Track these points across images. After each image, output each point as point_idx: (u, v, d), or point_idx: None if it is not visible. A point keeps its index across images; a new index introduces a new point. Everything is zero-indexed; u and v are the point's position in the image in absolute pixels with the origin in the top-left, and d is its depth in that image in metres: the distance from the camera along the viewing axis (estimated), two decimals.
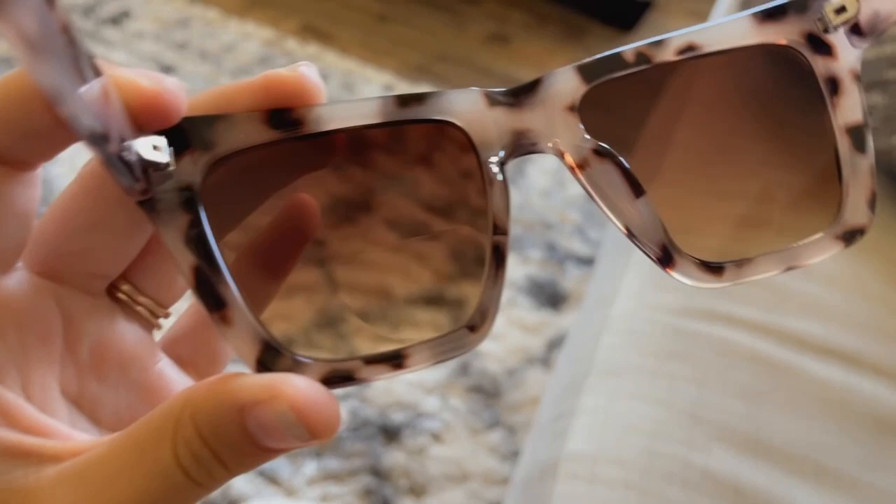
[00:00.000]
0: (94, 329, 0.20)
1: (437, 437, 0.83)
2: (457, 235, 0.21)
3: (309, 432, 0.16)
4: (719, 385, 0.44)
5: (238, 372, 0.17)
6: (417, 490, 0.79)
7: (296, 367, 0.18)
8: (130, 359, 0.21)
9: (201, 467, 0.17)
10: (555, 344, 0.93)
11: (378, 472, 0.79)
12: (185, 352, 0.23)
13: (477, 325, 0.19)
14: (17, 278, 0.19)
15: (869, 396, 0.45)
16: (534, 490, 0.43)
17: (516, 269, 1.02)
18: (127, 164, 0.16)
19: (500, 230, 0.19)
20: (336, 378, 0.18)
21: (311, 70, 0.19)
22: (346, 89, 1.25)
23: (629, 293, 0.51)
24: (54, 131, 0.17)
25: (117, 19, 1.30)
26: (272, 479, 0.77)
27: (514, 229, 1.07)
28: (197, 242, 0.18)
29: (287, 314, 0.21)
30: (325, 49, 1.31)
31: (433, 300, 0.21)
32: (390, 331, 0.22)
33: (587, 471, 0.42)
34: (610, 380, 0.46)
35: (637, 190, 0.20)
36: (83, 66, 0.14)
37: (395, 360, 0.19)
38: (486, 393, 0.88)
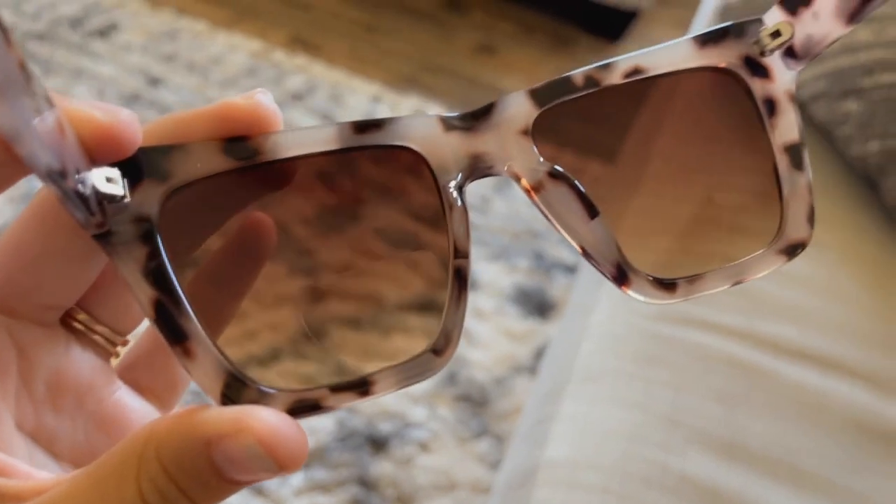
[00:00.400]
0: (48, 361, 0.20)
1: (424, 447, 0.83)
2: (418, 260, 0.21)
3: (277, 464, 0.16)
4: (696, 389, 0.45)
5: (201, 405, 0.17)
6: (405, 500, 0.79)
7: (261, 398, 0.18)
8: (87, 389, 0.21)
9: (167, 503, 0.16)
10: (542, 352, 0.94)
11: (365, 483, 0.79)
12: (142, 377, 0.22)
13: (441, 348, 0.19)
14: None
15: (845, 399, 0.45)
16: (514, 496, 0.43)
17: (503, 277, 1.02)
18: (82, 198, 0.16)
19: (460, 254, 0.19)
20: (302, 408, 0.18)
21: (268, 97, 0.19)
22: (334, 100, 1.26)
23: (608, 300, 0.52)
24: (4, 166, 0.17)
25: (105, 32, 1.30)
26: (259, 491, 0.77)
27: (502, 238, 1.07)
28: (156, 275, 0.17)
29: (251, 343, 0.21)
30: (312, 60, 1.32)
31: (397, 326, 0.22)
32: (355, 357, 0.22)
33: (566, 476, 0.42)
34: (589, 385, 0.46)
35: (591, 211, 0.20)
36: (39, 101, 0.14)
37: (361, 388, 0.19)
38: (474, 402, 0.88)
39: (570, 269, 1.04)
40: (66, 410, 0.21)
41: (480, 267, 1.03)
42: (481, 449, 0.84)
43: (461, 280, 0.20)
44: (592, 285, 0.54)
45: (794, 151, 0.21)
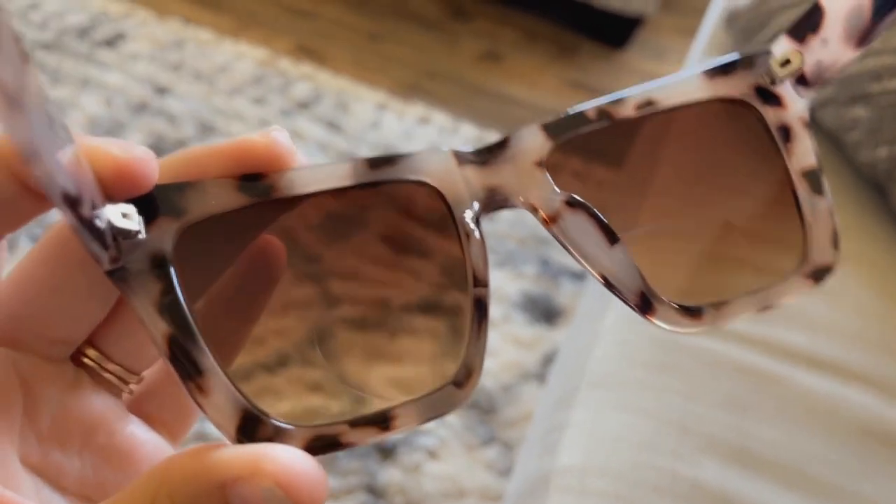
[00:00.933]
0: (54, 397, 0.20)
1: (432, 454, 0.83)
2: (437, 292, 0.21)
3: None
4: (707, 396, 0.45)
5: (215, 444, 0.17)
6: None
7: (277, 434, 0.18)
8: (96, 424, 0.21)
9: None
10: (549, 359, 0.94)
11: (374, 490, 0.79)
12: (153, 408, 0.22)
13: (462, 380, 0.19)
14: None
15: (855, 406, 0.45)
16: (525, 503, 0.44)
17: (510, 284, 1.02)
18: (97, 231, 0.16)
19: (479, 283, 0.19)
20: (321, 444, 0.18)
21: (283, 134, 0.19)
22: (340, 108, 1.26)
23: (619, 306, 0.52)
24: (19, 202, 0.17)
25: (112, 41, 1.31)
26: None
27: (509, 244, 1.07)
28: (171, 310, 0.17)
29: (269, 377, 0.21)
30: (318, 68, 1.33)
31: (418, 359, 0.21)
32: (376, 391, 0.21)
33: (577, 484, 0.42)
34: (599, 392, 0.46)
35: (611, 238, 0.20)
36: (56, 128, 0.14)
37: (382, 423, 0.18)
38: (482, 409, 0.88)
39: (577, 276, 1.04)
40: (74, 445, 0.20)
41: None
42: (489, 456, 0.84)
43: (481, 309, 0.19)
44: (602, 292, 0.54)
45: (812, 176, 0.22)
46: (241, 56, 1.32)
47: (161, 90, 1.23)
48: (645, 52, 1.50)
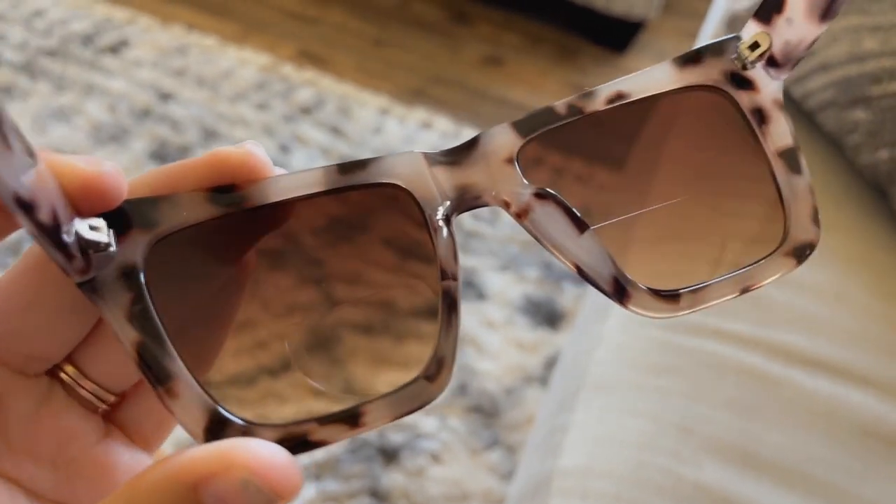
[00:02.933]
0: (24, 409, 0.20)
1: (436, 458, 0.83)
2: (410, 289, 0.21)
3: (276, 494, 0.15)
4: (709, 398, 0.45)
5: (182, 449, 0.16)
6: None
7: (246, 434, 0.18)
8: (69, 438, 0.20)
9: None
10: (552, 362, 0.94)
11: (377, 494, 0.79)
12: (129, 420, 0.22)
13: (433, 374, 0.19)
14: None
15: (856, 407, 0.45)
16: None
17: (513, 288, 1.02)
18: (61, 243, 0.16)
19: (448, 275, 0.19)
20: (290, 444, 0.18)
21: (258, 147, 0.19)
22: (343, 113, 1.26)
23: (621, 310, 0.52)
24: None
25: (116, 48, 1.32)
26: None
27: (511, 248, 1.07)
28: (140, 318, 0.18)
29: (237, 378, 0.21)
30: (321, 74, 1.33)
31: (389, 355, 0.21)
32: (347, 388, 0.21)
33: (579, 486, 0.42)
34: (601, 395, 0.47)
35: (580, 226, 0.20)
36: (11, 139, 0.14)
37: (352, 420, 0.18)
38: (485, 412, 0.88)
39: (580, 280, 1.04)
40: (47, 457, 0.20)
41: (489, 277, 1.04)
42: (493, 460, 0.84)
43: (450, 302, 0.19)
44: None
45: (789, 155, 0.21)
46: (245, 62, 1.33)
47: (165, 96, 1.24)
48: (646, 56, 1.50)
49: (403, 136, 1.25)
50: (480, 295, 1.01)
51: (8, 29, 1.33)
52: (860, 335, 0.49)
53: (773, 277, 0.21)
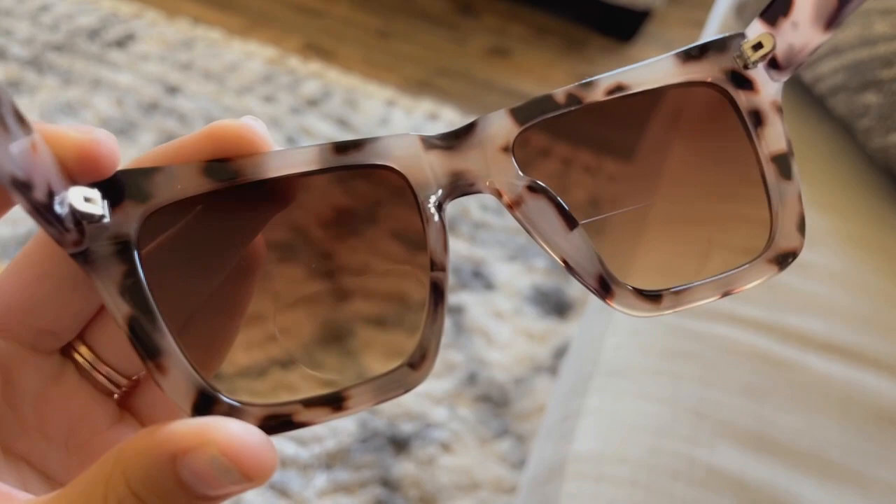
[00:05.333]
0: (34, 386, 0.20)
1: (446, 447, 0.83)
2: (398, 276, 0.21)
3: (243, 475, 0.16)
4: (722, 383, 0.45)
5: (168, 422, 0.17)
6: (428, 500, 0.79)
7: (232, 412, 0.18)
8: (80, 419, 0.21)
9: None
10: (561, 352, 0.94)
11: (388, 483, 0.80)
12: (141, 407, 0.22)
13: (417, 362, 0.19)
14: None
15: (871, 391, 0.45)
16: (542, 491, 0.44)
17: (521, 278, 1.02)
18: (54, 214, 0.16)
19: (437, 267, 0.19)
20: (274, 423, 0.18)
21: (257, 122, 0.19)
22: (349, 105, 1.26)
23: None
24: None
25: (122, 42, 1.32)
26: (283, 492, 0.78)
27: (519, 239, 1.07)
28: (132, 292, 0.18)
29: (231, 359, 0.21)
30: (327, 66, 1.33)
31: (374, 342, 0.21)
32: (332, 372, 0.21)
33: (594, 470, 0.42)
34: (614, 380, 0.47)
35: (570, 223, 0.20)
36: (6, 118, 0.14)
37: (335, 403, 0.18)
38: (494, 402, 0.88)
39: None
40: (58, 438, 0.20)
41: (498, 268, 1.04)
42: (502, 449, 0.84)
43: (438, 293, 0.19)
44: None
45: (781, 161, 0.21)
46: (251, 55, 1.33)
47: (171, 90, 1.24)
48: (653, 45, 1.50)
49: (410, 127, 1.25)
50: (489, 285, 1.01)
51: (15, 24, 1.33)
52: (874, 319, 0.49)
53: (754, 283, 0.21)
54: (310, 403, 0.18)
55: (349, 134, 1.22)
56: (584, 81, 0.21)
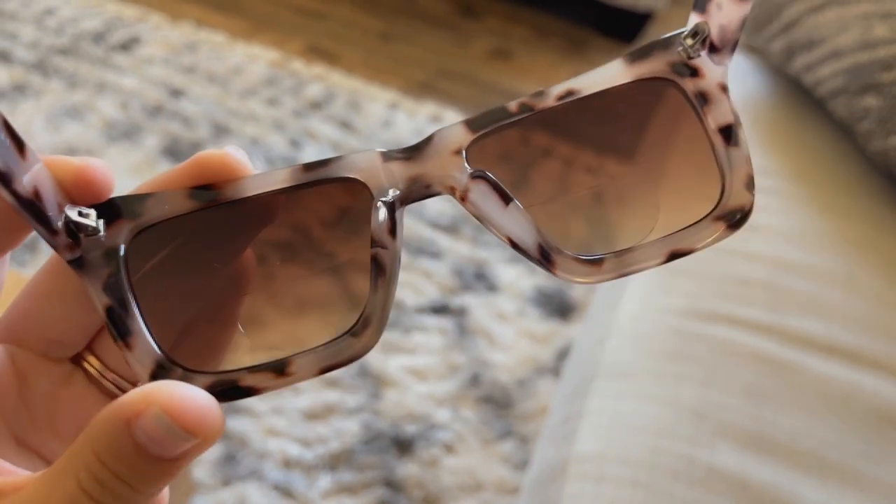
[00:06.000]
0: (45, 388, 0.22)
1: (449, 448, 0.84)
2: (347, 260, 0.23)
3: (186, 432, 0.17)
4: (723, 384, 0.45)
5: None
6: (431, 501, 0.79)
7: (184, 378, 0.20)
8: (88, 419, 0.21)
9: (105, 490, 0.17)
10: (564, 353, 0.94)
11: (392, 484, 0.80)
12: None
13: (359, 330, 0.20)
14: None
15: (871, 392, 0.45)
16: (544, 491, 0.44)
17: (524, 279, 1.03)
18: (56, 228, 0.19)
19: (377, 244, 0.21)
20: (223, 388, 0.20)
21: (238, 151, 0.22)
22: (353, 108, 1.27)
23: (634, 297, 0.52)
24: (13, 220, 0.20)
25: (127, 45, 1.33)
26: (287, 493, 0.78)
27: None
28: (112, 287, 0.20)
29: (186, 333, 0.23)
30: (330, 69, 1.34)
31: (323, 316, 0.23)
32: (277, 343, 0.23)
33: (595, 471, 0.43)
34: (616, 381, 0.47)
35: (505, 198, 0.21)
36: (25, 147, 0.17)
37: (279, 370, 0.20)
38: (497, 403, 0.89)
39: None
40: (68, 435, 0.22)
41: (500, 270, 1.04)
42: (506, 450, 0.84)
43: (378, 267, 0.21)
44: (617, 283, 0.55)
45: (728, 131, 0.22)
46: (254, 58, 1.33)
47: (176, 93, 1.25)
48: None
49: (413, 129, 1.25)
50: (492, 287, 1.02)
51: (20, 28, 1.34)
52: (873, 321, 0.49)
53: (704, 242, 0.21)
54: (254, 370, 0.20)
55: (352, 136, 1.22)
56: (535, 92, 0.22)
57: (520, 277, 1.03)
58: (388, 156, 0.22)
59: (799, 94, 0.65)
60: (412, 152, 0.22)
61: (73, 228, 0.20)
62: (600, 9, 1.48)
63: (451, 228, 1.09)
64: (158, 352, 0.20)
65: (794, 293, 0.50)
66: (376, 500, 0.79)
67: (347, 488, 0.80)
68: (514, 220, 0.21)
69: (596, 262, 0.21)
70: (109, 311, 0.20)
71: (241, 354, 0.23)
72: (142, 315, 0.20)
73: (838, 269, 0.52)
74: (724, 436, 0.43)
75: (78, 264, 0.20)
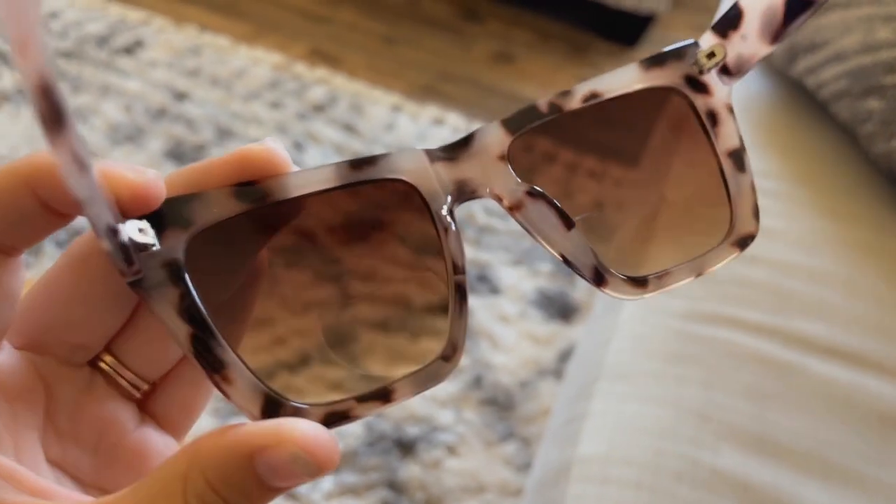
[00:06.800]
0: (71, 397, 0.22)
1: (452, 450, 0.84)
2: (420, 280, 0.24)
3: (318, 467, 0.18)
4: (726, 386, 0.45)
5: (238, 423, 0.19)
6: (434, 502, 0.80)
7: (297, 413, 0.20)
8: (108, 425, 0.22)
9: None
10: (566, 355, 0.94)
11: (394, 486, 0.80)
12: (159, 408, 0.24)
13: (449, 355, 0.21)
14: (4, 354, 0.21)
15: (873, 394, 0.45)
16: (547, 493, 0.44)
17: (526, 281, 1.03)
18: (124, 250, 0.18)
19: (458, 270, 0.22)
20: (334, 419, 0.20)
21: (278, 144, 0.21)
22: (355, 111, 1.27)
23: (635, 301, 0.52)
24: (39, 219, 0.19)
25: (131, 49, 1.33)
26: (291, 495, 0.78)
27: (524, 243, 1.08)
28: (190, 312, 0.19)
29: (282, 365, 0.23)
30: (333, 72, 1.34)
31: (410, 341, 0.24)
32: (375, 370, 0.24)
33: (599, 472, 0.43)
34: (619, 383, 0.47)
35: (568, 223, 0.23)
36: (90, 168, 0.16)
37: (384, 397, 0.21)
38: (500, 405, 0.89)
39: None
40: (89, 443, 0.22)
41: (502, 272, 1.04)
42: (508, 452, 0.84)
43: (461, 294, 0.22)
44: None
45: (736, 156, 0.24)
46: (258, 61, 1.34)
47: (179, 96, 1.25)
48: (657, 50, 1.50)
49: (416, 132, 1.25)
50: (494, 289, 1.02)
51: None
52: (876, 323, 0.49)
53: (721, 263, 0.24)
54: (362, 399, 0.20)
55: (355, 139, 1.23)
56: (562, 91, 0.23)
57: (522, 280, 1.03)
58: (433, 155, 0.22)
59: (801, 97, 0.65)
60: (454, 152, 0.22)
61: (135, 248, 0.19)
62: (602, 12, 1.48)
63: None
64: (262, 384, 0.20)
65: (795, 295, 0.51)
66: (379, 502, 0.79)
67: (350, 490, 0.80)
68: (573, 244, 0.23)
69: (641, 283, 0.23)
70: (196, 340, 0.19)
71: (335, 381, 0.23)
72: (226, 339, 0.19)
73: (840, 272, 0.52)
74: (727, 437, 0.43)
75: (140, 285, 0.19)
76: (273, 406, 0.20)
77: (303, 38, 1.43)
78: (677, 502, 0.41)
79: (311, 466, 0.18)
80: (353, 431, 0.84)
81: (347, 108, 1.27)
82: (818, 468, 0.42)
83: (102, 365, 0.22)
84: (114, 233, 0.17)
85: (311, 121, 1.24)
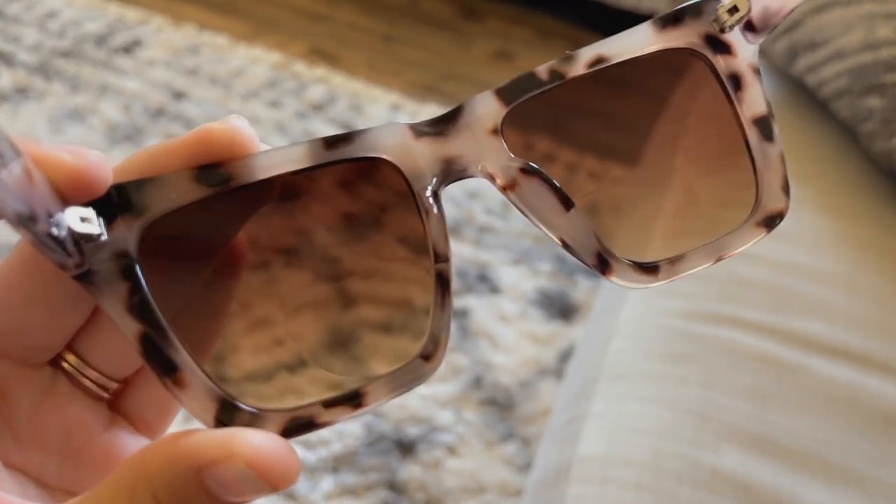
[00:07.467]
0: (29, 400, 0.20)
1: (452, 451, 0.84)
2: (401, 271, 0.21)
3: (269, 485, 0.16)
4: (726, 386, 0.45)
5: (188, 430, 0.17)
6: (434, 503, 0.79)
7: (254, 420, 0.18)
8: (73, 427, 0.21)
9: None
10: (566, 355, 0.94)
11: (394, 486, 0.80)
12: (131, 408, 0.22)
13: (430, 353, 0.19)
14: None
15: (875, 394, 0.45)
16: (547, 494, 0.44)
17: (526, 281, 1.03)
18: (58, 241, 0.16)
19: (440, 258, 0.19)
20: (297, 426, 0.18)
21: (243, 122, 0.19)
22: (355, 110, 1.27)
23: (636, 299, 0.52)
24: None
25: (129, 48, 1.33)
26: (290, 495, 0.78)
27: (524, 242, 1.08)
28: (140, 309, 0.17)
29: (239, 364, 0.21)
30: (332, 71, 1.34)
31: (384, 336, 0.21)
32: (345, 371, 0.21)
33: (599, 473, 0.42)
34: (619, 384, 0.47)
35: (567, 203, 0.20)
36: (4, 150, 0.14)
37: (354, 400, 0.18)
38: (500, 405, 0.89)
39: (593, 273, 1.05)
40: (53, 447, 0.20)
41: (502, 271, 1.04)
42: (508, 452, 0.84)
43: (443, 284, 0.19)
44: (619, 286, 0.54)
45: (763, 123, 0.21)
46: (256, 60, 1.34)
47: (178, 95, 1.25)
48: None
49: None
50: (494, 289, 1.02)
51: (22, 31, 1.34)
52: (876, 322, 0.49)
53: (744, 247, 0.21)
54: (330, 404, 0.18)
55: None
56: (564, 56, 0.21)
57: (522, 279, 1.03)
58: (417, 131, 0.20)
59: (802, 95, 0.65)
60: (442, 127, 0.20)
61: (75, 239, 0.17)
62: (602, 11, 1.48)
63: (454, 230, 1.09)
64: (217, 389, 0.18)
65: (796, 294, 0.50)
66: (378, 502, 0.79)
67: (350, 490, 0.80)
68: (574, 225, 0.20)
69: (652, 270, 0.21)
70: (145, 340, 0.17)
71: (299, 385, 0.21)
72: (180, 340, 0.18)
73: (841, 271, 0.52)
74: (728, 438, 0.43)
75: (86, 279, 0.17)
76: (228, 412, 0.18)
77: (302, 36, 1.43)
78: (677, 503, 0.40)
79: (260, 485, 0.16)
80: (352, 432, 0.84)
81: (347, 108, 1.27)
82: (819, 468, 0.42)
83: (65, 365, 0.21)
84: (31, 220, 0.15)
85: (311, 120, 1.24)
